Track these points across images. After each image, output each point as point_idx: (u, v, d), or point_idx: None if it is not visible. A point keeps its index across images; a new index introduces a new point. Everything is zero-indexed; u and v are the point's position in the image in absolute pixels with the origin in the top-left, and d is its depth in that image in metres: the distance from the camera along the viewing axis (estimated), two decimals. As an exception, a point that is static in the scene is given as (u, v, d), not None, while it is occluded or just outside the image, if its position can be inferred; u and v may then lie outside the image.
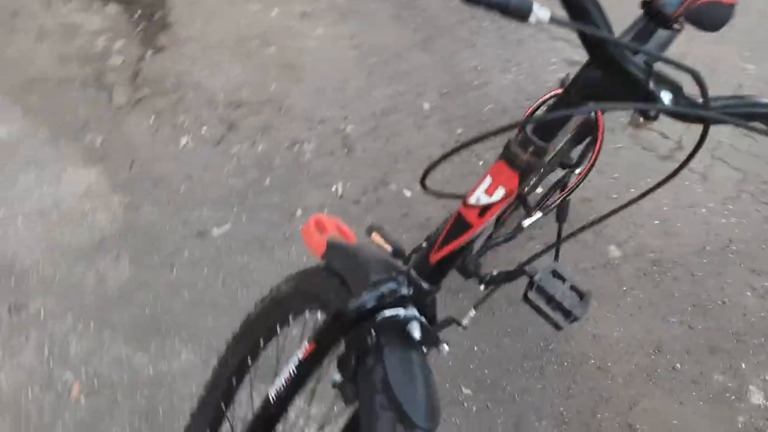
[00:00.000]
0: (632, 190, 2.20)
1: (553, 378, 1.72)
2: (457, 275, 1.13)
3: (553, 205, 1.63)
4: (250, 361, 1.19)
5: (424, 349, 0.89)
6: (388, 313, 0.86)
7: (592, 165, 1.47)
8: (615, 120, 2.40)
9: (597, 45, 0.69)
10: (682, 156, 2.33)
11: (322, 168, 2.08)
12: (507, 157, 0.78)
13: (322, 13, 2.68)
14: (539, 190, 1.97)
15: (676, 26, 1.20)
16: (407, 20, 2.72)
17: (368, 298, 0.86)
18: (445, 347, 0.91)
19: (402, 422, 0.78)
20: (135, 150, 2.06)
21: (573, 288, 1.38)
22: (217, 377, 1.24)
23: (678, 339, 1.83)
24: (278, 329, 1.15)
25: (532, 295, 1.36)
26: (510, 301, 1.86)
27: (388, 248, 1.49)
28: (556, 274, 1.37)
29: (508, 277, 1.39)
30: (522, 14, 0.62)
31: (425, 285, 0.88)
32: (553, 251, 1.54)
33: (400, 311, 0.87)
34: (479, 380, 1.69)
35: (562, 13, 0.67)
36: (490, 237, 1.52)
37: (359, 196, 2.02)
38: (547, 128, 0.77)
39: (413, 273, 0.88)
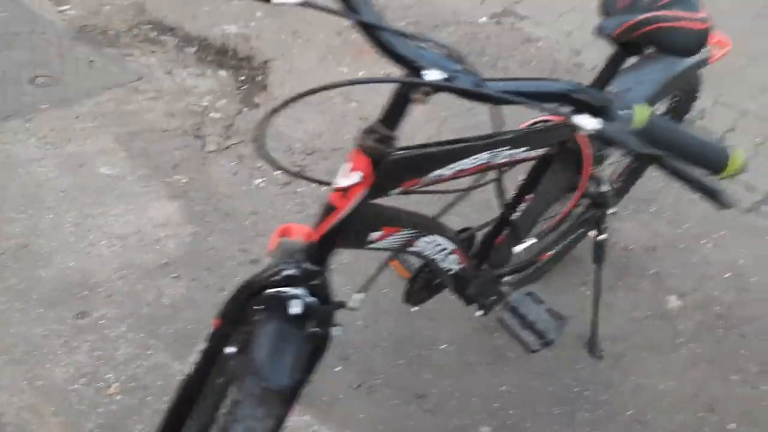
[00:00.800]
0: (703, 241, 2.06)
1: (583, 425, 1.62)
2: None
3: (544, 232, 1.58)
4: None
5: (315, 326, 0.95)
6: (273, 291, 0.93)
7: (581, 194, 1.43)
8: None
9: (365, 29, 0.76)
10: (768, 208, 2.15)
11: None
12: (358, 142, 0.86)
13: (404, 72, 2.84)
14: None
15: (646, 52, 1.20)
16: (486, 72, 2.79)
17: (260, 279, 0.94)
18: (336, 329, 0.97)
19: (256, 380, 0.85)
20: (214, 188, 2.29)
21: (549, 311, 1.34)
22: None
23: (736, 399, 1.66)
24: None
25: (505, 315, 1.34)
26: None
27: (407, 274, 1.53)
28: (533, 297, 1.35)
29: (496, 301, 1.39)
30: None
31: (310, 266, 0.94)
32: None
33: (286, 289, 0.93)
34: (501, 420, 1.64)
35: None
36: (491, 265, 1.49)
37: (408, 236, 2.07)
38: (390, 118, 0.83)
39: (300, 256, 0.95)
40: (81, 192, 2.20)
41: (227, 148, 2.49)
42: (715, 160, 0.76)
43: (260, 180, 2.33)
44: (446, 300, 1.62)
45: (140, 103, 2.71)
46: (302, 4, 0.70)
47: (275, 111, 0.83)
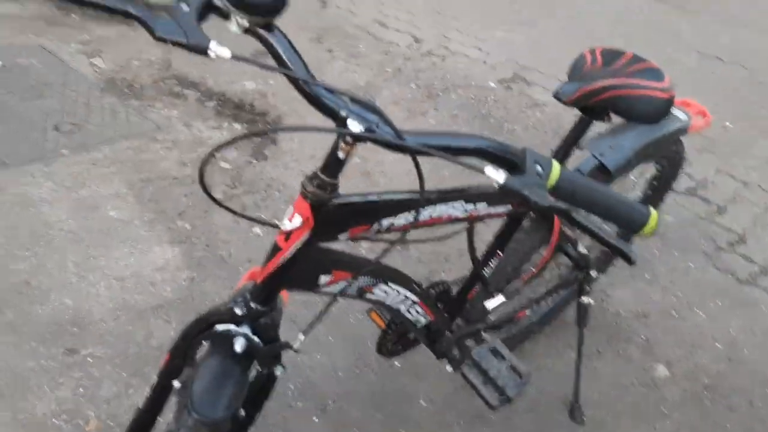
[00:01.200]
0: (696, 310, 2.03)
1: (555, 491, 1.58)
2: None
3: (516, 289, 1.58)
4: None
5: (258, 365, 0.97)
6: (219, 328, 0.96)
7: (545, 264, 1.45)
8: (689, 240, 2.27)
9: (294, 83, 0.81)
10: (765, 282, 2.13)
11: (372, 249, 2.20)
12: (301, 188, 0.90)
13: (411, 132, 2.92)
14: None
15: (606, 118, 1.24)
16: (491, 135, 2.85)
17: (209, 316, 0.98)
18: (279, 369, 0.99)
19: (189, 412, 0.87)
20: (215, 235, 2.35)
21: (512, 368, 1.34)
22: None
23: (718, 473, 1.60)
24: None
25: (467, 369, 1.34)
26: (526, 408, 1.76)
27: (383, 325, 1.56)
28: (495, 353, 1.35)
29: (463, 356, 1.40)
30: (201, 49, 0.75)
31: (256, 306, 0.98)
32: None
33: (231, 327, 0.96)
34: (472, 481, 1.61)
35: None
36: (465, 321, 1.50)
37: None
38: (330, 166, 0.88)
39: (248, 296, 0.98)
40: (88, 234, 2.28)
41: (233, 197, 2.57)
42: (635, 219, 0.78)
43: (258, 228, 2.39)
44: (432, 356, 1.62)
45: (156, 152, 2.82)
46: (235, 58, 0.75)
47: (211, 154, 0.87)
